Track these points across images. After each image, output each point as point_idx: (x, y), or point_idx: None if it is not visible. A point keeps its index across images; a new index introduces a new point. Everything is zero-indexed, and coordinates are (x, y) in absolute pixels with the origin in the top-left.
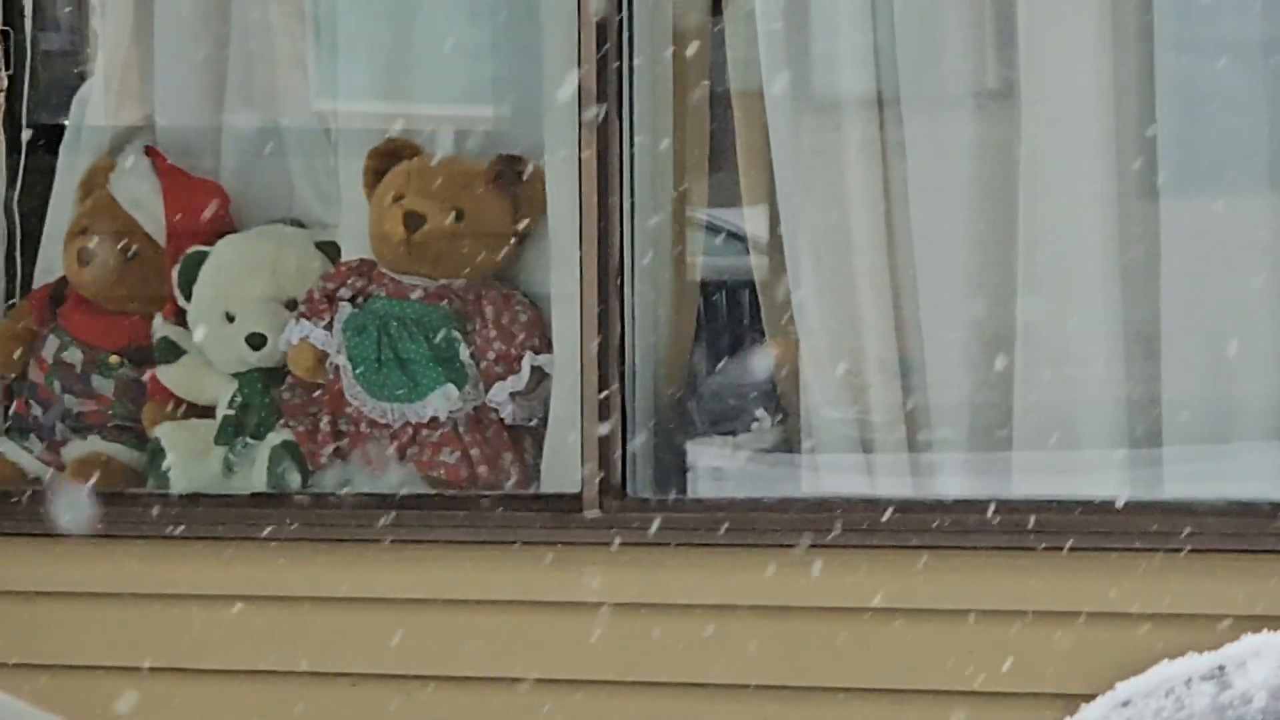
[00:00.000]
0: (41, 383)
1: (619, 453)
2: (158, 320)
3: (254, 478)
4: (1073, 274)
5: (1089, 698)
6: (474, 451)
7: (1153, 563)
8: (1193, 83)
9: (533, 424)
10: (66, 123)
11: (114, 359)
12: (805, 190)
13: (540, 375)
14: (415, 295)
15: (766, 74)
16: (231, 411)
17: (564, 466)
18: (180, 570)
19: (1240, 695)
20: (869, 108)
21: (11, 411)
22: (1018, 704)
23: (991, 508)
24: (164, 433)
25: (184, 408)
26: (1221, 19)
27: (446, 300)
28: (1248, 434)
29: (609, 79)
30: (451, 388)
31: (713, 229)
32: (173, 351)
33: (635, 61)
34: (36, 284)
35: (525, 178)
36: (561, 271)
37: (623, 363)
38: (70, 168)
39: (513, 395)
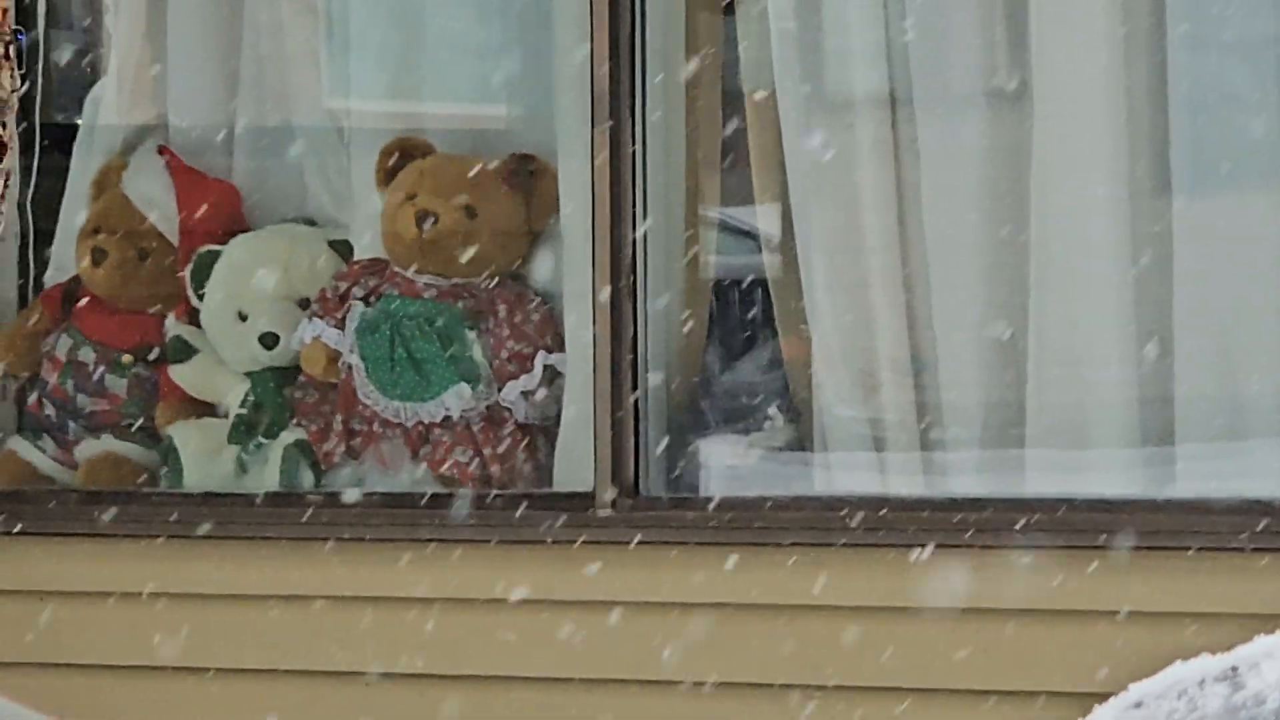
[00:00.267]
0: (55, 382)
1: (631, 451)
2: (170, 319)
3: (266, 477)
4: (1085, 273)
5: (1102, 696)
6: (487, 451)
7: (1166, 561)
8: (1205, 82)
9: (545, 423)
10: (80, 122)
11: (127, 358)
12: (818, 189)
13: (553, 374)
14: (428, 294)
15: (779, 73)
16: (244, 411)
17: (576, 465)
18: (193, 569)
19: (1254, 696)
20: (882, 107)
21: (25, 411)
22: (1032, 703)
23: (1005, 506)
24: (177, 432)
25: (197, 407)
26: (1234, 18)
27: (459, 299)
28: (1262, 431)
29: (621, 78)
30: (464, 387)
31: (725, 228)
32: (185, 350)
33: (648, 60)
34: (49, 283)
35: (538, 176)
36: (574, 270)
37: (635, 361)
38: (83, 167)
39: (525, 394)
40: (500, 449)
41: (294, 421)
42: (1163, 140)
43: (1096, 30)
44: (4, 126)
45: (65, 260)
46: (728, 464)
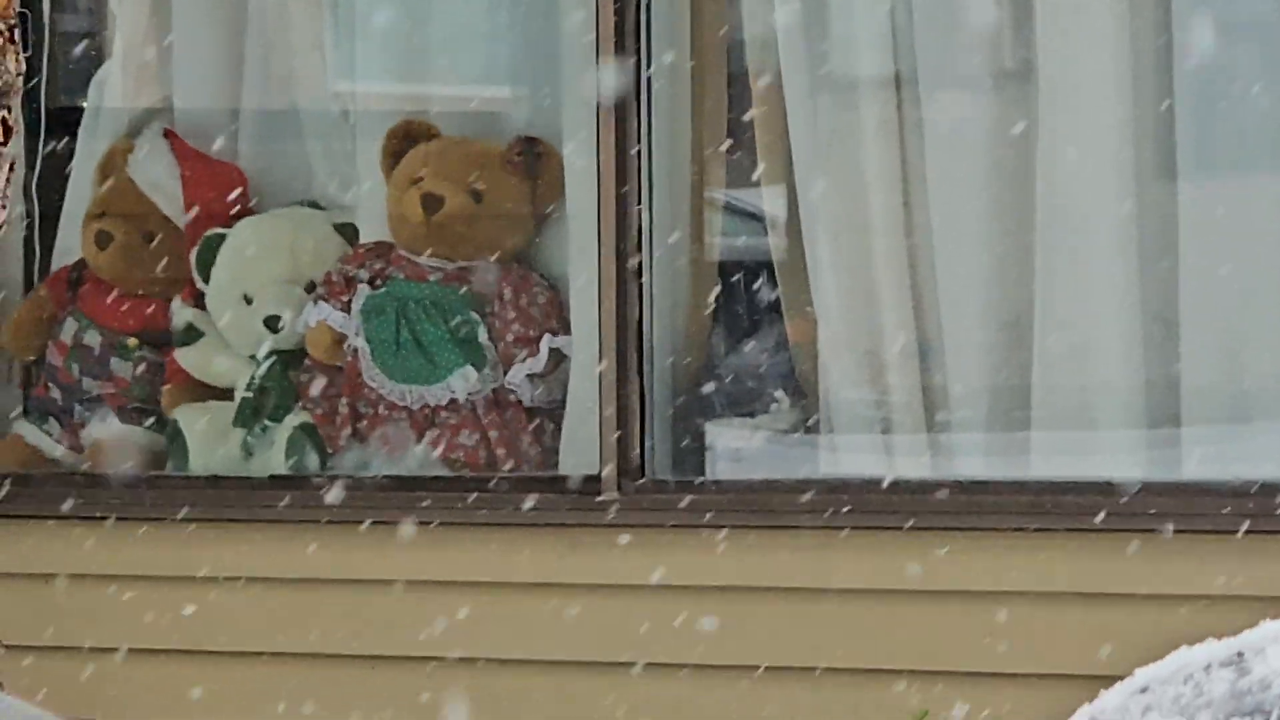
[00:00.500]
0: (61, 365)
1: (637, 435)
2: (176, 302)
3: (272, 460)
4: (1091, 255)
5: (1107, 679)
6: (492, 434)
7: (1171, 544)
8: (1210, 64)
9: (551, 406)
10: (85, 105)
11: (132, 341)
12: (823, 171)
13: (559, 357)
14: (433, 277)
15: (784, 55)
16: (250, 394)
17: (582, 448)
18: (198, 552)
19: (1259, 681)
20: (887, 89)
21: (31, 394)
22: (1037, 685)
23: (1011, 489)
24: (182, 415)
25: (203, 390)
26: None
27: (465, 282)
28: (1267, 414)
29: (627, 60)
30: (470, 370)
31: (731, 210)
32: (191, 334)
33: (653, 42)
34: (55, 267)
35: (543, 159)
36: (580, 253)
37: (641, 344)
38: (89, 150)
39: (531, 377)
40: (506, 432)
41: (300, 405)
42: (1168, 122)
43: (1102, 11)
44: (9, 111)
45: (71, 244)
46: (733, 447)
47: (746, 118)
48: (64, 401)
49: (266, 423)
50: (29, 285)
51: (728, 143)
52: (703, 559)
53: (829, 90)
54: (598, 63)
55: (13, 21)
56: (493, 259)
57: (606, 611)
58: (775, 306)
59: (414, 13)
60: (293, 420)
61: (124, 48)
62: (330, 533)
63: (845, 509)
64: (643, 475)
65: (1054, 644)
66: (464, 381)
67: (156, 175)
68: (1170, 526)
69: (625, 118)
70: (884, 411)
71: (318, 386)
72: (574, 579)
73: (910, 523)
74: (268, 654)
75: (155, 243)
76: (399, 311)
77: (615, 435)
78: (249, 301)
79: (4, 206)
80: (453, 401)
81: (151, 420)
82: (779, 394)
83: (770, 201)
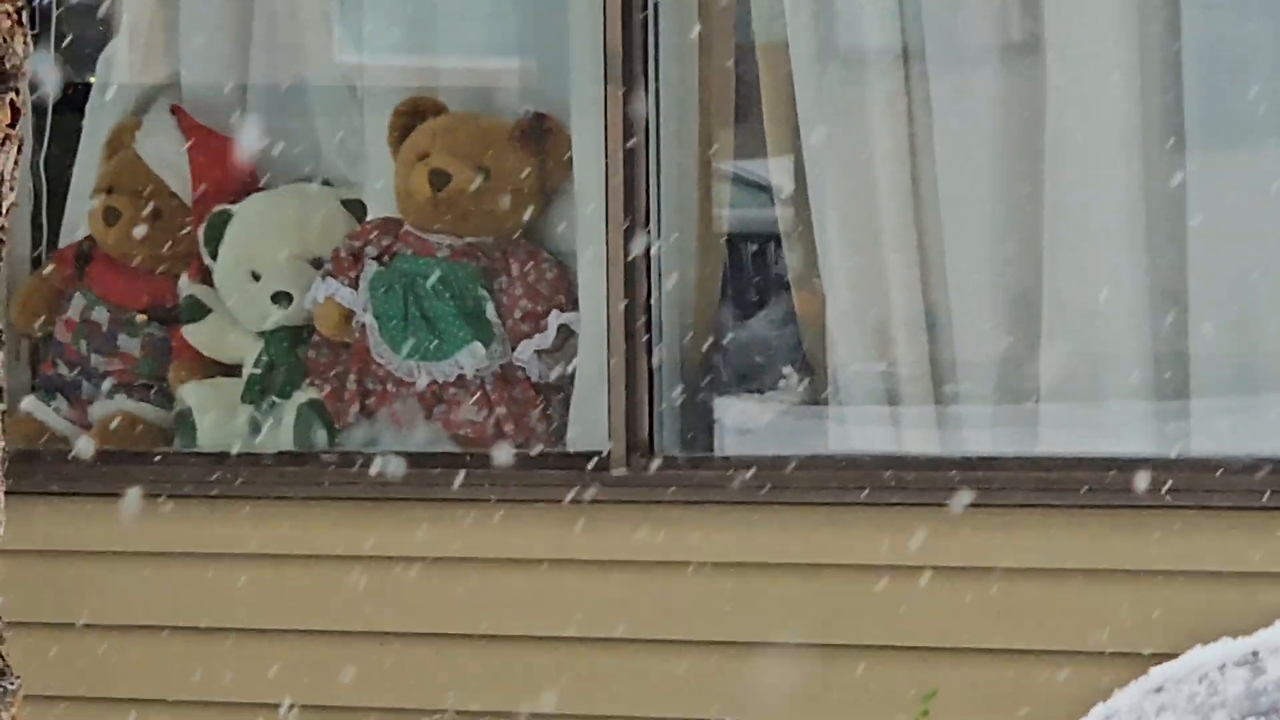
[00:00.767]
0: (68, 342)
1: (646, 410)
2: (184, 279)
3: (280, 436)
4: (1099, 228)
5: (1117, 656)
6: (501, 410)
7: (1180, 519)
8: (1219, 36)
9: (559, 382)
10: (92, 81)
11: (140, 318)
12: (831, 144)
13: (567, 333)
14: (441, 253)
15: (792, 27)
16: (258, 370)
17: (591, 424)
18: (206, 529)
19: (1275, 681)
20: (895, 61)
21: (39, 371)
22: (1046, 662)
23: (1020, 464)
24: (190, 391)
25: (211, 367)
26: None
27: (473, 258)
28: (1277, 387)
29: (634, 32)
30: (478, 346)
31: (739, 181)
32: (199, 310)
33: (660, 14)
34: (63, 243)
35: (551, 135)
36: (587, 228)
37: (649, 320)
38: (96, 127)
39: (539, 353)
40: (514, 408)
41: (308, 381)
42: (1176, 94)
43: None
44: (17, 93)
45: (78, 220)
46: (742, 422)
47: (754, 91)
48: (72, 378)
49: (274, 399)
50: (37, 262)
51: (735, 115)
52: (711, 534)
53: (837, 63)
54: (605, 37)
55: (20, 3)
56: (500, 235)
57: (615, 587)
58: (783, 280)
59: None
60: (301, 396)
61: (131, 23)
62: (338, 509)
63: (854, 485)
64: (651, 451)
65: (1064, 621)
66: (472, 358)
67: (164, 152)
68: (1179, 503)
69: (633, 91)
70: (892, 384)
71: (325, 363)
72: (582, 555)
73: (919, 499)
74: (276, 630)
75: (163, 219)
76: (407, 287)
77: (624, 411)
78: (257, 278)
79: (13, 188)
80: (461, 377)
81: (159, 396)
82: (787, 368)
83: (778, 174)
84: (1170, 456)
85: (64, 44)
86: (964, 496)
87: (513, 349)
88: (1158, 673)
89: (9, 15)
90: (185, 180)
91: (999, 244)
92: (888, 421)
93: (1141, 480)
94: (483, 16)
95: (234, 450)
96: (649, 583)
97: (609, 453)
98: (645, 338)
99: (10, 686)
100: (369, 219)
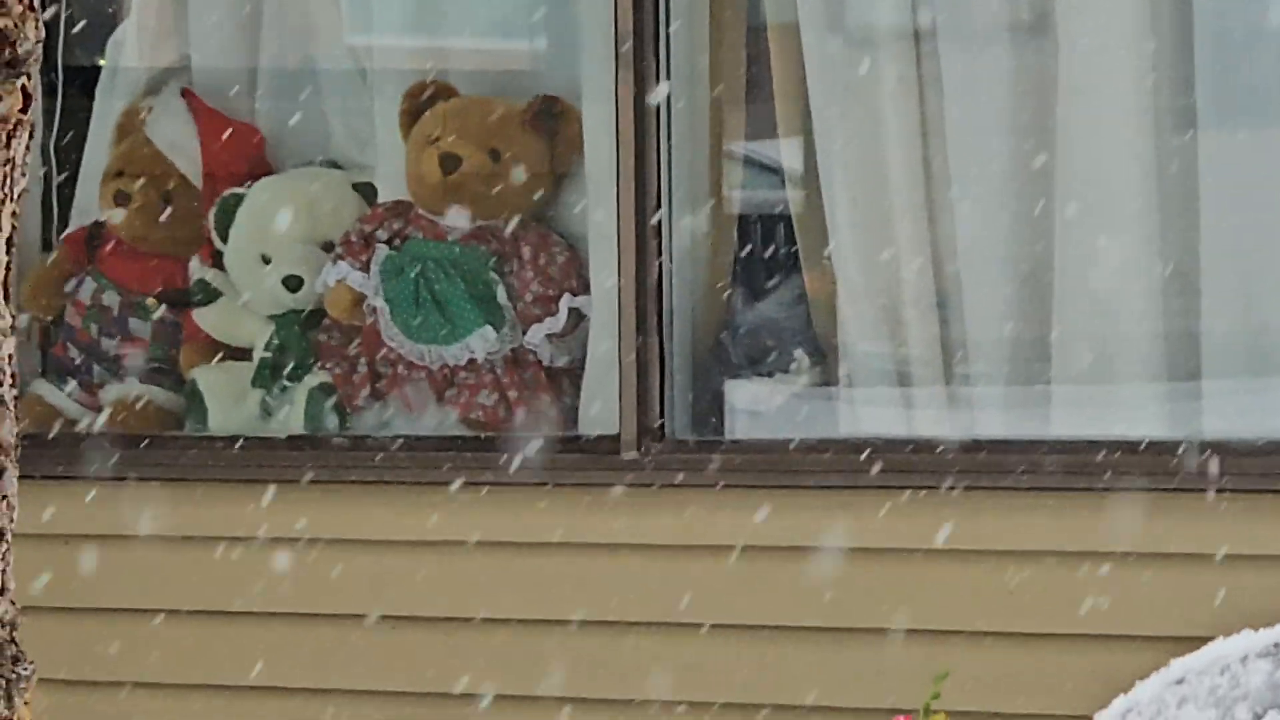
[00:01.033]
0: (79, 325)
1: (657, 394)
2: (194, 262)
3: (291, 420)
4: (1111, 208)
5: (1129, 639)
6: (512, 393)
7: (1194, 502)
8: (1230, 14)
9: (570, 365)
10: (102, 64)
11: (151, 301)
12: (842, 124)
13: (578, 317)
14: (452, 237)
15: (803, 8)
16: (269, 354)
17: (602, 408)
18: (216, 512)
19: None
20: (905, 41)
21: (50, 354)
22: (1058, 645)
23: (1029, 448)
24: (201, 375)
25: (221, 350)
26: None
27: (484, 242)
28: None
29: (645, 14)
30: (489, 329)
31: (750, 163)
32: (209, 294)
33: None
34: (73, 227)
35: (562, 118)
36: (599, 211)
37: (660, 303)
38: (106, 110)
39: (550, 337)
40: (525, 392)
41: (318, 365)
42: (1188, 74)
43: None
44: (28, 78)
45: (89, 204)
46: (753, 405)
47: (765, 72)
48: (82, 361)
49: (285, 382)
50: (47, 245)
51: (746, 96)
52: (723, 518)
53: (847, 42)
54: (616, 19)
55: None
56: (512, 218)
57: (626, 571)
58: (794, 261)
59: None
60: (311, 380)
61: (141, 7)
62: (349, 493)
63: (866, 468)
64: (662, 435)
65: (1076, 604)
66: (483, 341)
67: (174, 135)
68: (1191, 485)
69: (644, 72)
70: (903, 365)
71: (336, 346)
72: (593, 539)
73: (931, 482)
74: (287, 614)
75: (173, 202)
76: (418, 271)
77: (634, 394)
78: (267, 261)
79: (24, 174)
80: (472, 361)
81: (169, 380)
82: (798, 351)
83: (789, 156)
84: (1183, 438)
85: (74, 27)
86: (977, 479)
87: (524, 333)
88: (1179, 664)
89: (20, 0)
90: (196, 163)
91: (1010, 224)
92: (899, 403)
93: (1156, 463)
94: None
95: (244, 434)
96: (660, 566)
97: (620, 436)
98: (656, 321)
99: (24, 672)
100: (380, 202)
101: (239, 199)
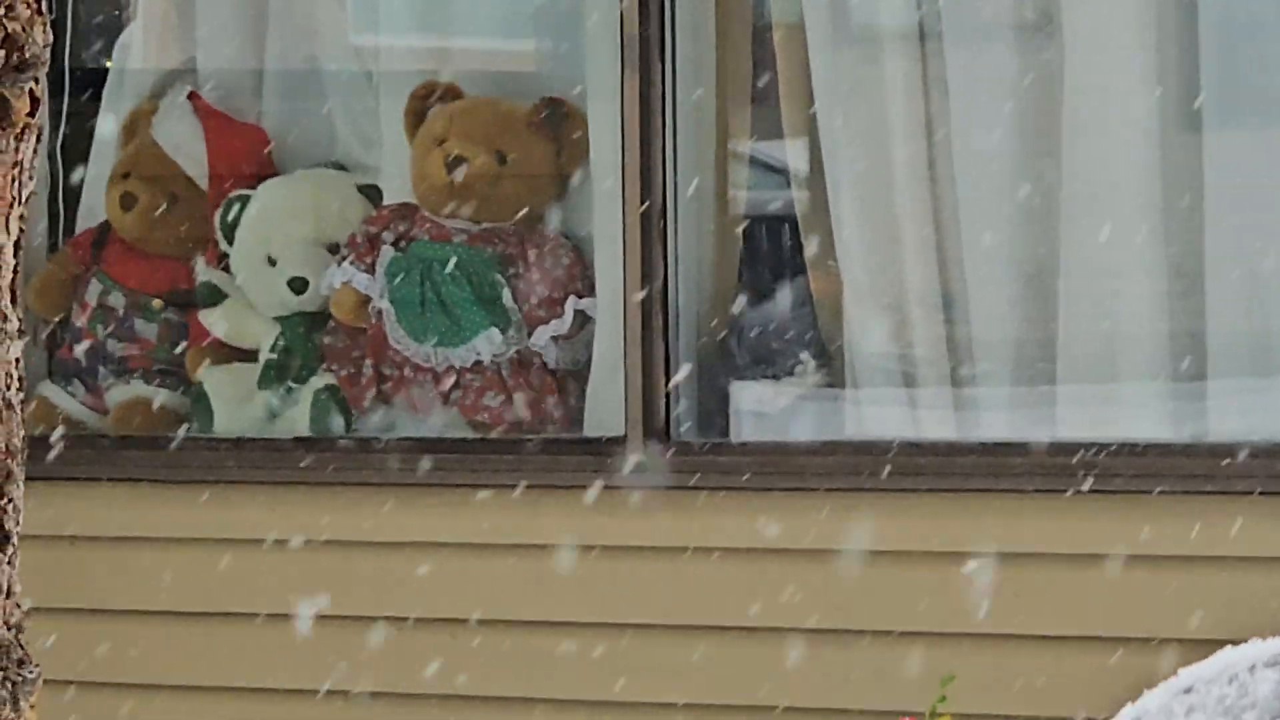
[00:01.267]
0: (85, 327)
1: (662, 396)
2: (200, 264)
3: (296, 422)
4: (1115, 207)
5: (1134, 641)
6: (517, 395)
7: (1197, 504)
8: (1236, 13)
9: (576, 367)
10: (109, 66)
11: (157, 303)
12: (847, 125)
13: (583, 319)
14: (458, 239)
15: (807, 8)
16: (274, 355)
17: (607, 410)
18: (222, 514)
19: None
20: (911, 41)
21: (56, 356)
22: (1064, 648)
23: (1036, 449)
24: (206, 376)
25: (227, 352)
26: None
27: (489, 244)
28: None
29: (651, 15)
30: (495, 331)
31: (755, 164)
32: (215, 295)
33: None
34: (79, 228)
35: (567, 120)
36: (604, 214)
37: (666, 305)
38: (113, 112)
39: (555, 339)
40: (531, 394)
41: (324, 366)
42: (1193, 73)
43: None
44: (36, 82)
45: (95, 205)
46: (758, 407)
47: (771, 73)
48: (88, 363)
49: (291, 384)
50: (53, 247)
51: (751, 97)
52: (728, 520)
53: (853, 43)
54: (621, 20)
55: None
56: (517, 220)
57: (631, 572)
58: (799, 262)
59: None
60: (317, 382)
61: (147, 9)
62: (355, 494)
63: (871, 470)
64: (668, 437)
65: (1084, 606)
66: (489, 343)
67: (180, 137)
68: (1198, 488)
69: (649, 74)
70: (908, 366)
71: (342, 348)
72: (598, 540)
73: (937, 484)
74: (294, 616)
75: (179, 204)
76: (423, 273)
77: (640, 396)
78: (273, 263)
79: (32, 176)
80: (477, 363)
81: (175, 381)
82: (804, 352)
83: (794, 157)
84: (1188, 440)
85: (80, 30)
86: (981, 482)
87: (529, 335)
88: (1187, 673)
89: (28, 4)
90: (202, 165)
91: (1015, 223)
92: (904, 404)
93: (1160, 464)
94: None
95: (250, 435)
96: (665, 568)
97: (625, 437)
98: (661, 322)
99: (30, 675)
100: (385, 204)
101: (245, 201)
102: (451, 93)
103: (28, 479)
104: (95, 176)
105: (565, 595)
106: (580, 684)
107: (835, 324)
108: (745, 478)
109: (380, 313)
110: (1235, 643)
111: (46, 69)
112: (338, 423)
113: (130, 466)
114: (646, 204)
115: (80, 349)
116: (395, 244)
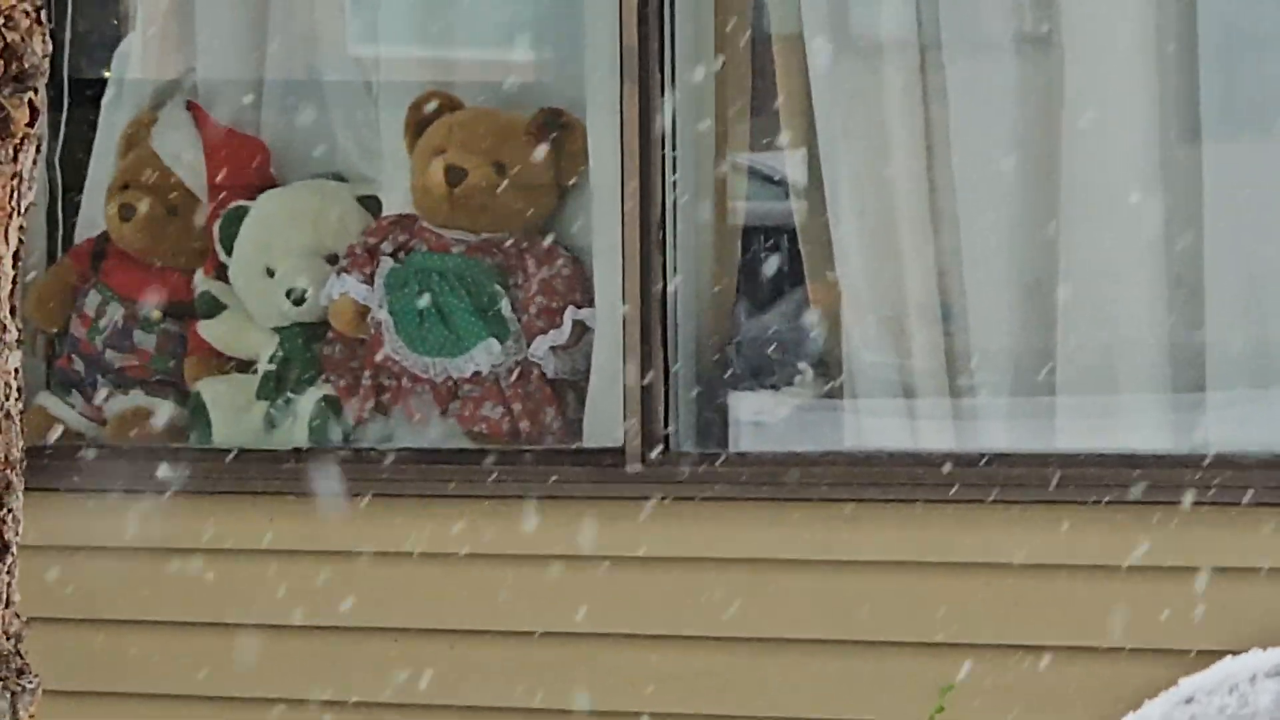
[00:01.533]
0: (84, 338)
1: (661, 406)
2: (199, 275)
3: (295, 432)
4: (1115, 218)
5: (1132, 651)
6: (516, 406)
7: (1196, 515)
8: (1235, 25)
9: (575, 378)
10: (108, 76)
11: (155, 314)
12: (846, 135)
13: (582, 329)
14: (457, 249)
15: (807, 19)
16: (273, 366)
17: (606, 420)
18: (220, 525)
19: None
20: (910, 51)
21: (54, 366)
22: (1062, 658)
23: (1034, 460)
24: (205, 387)
25: (226, 362)
26: None
27: (488, 254)
28: None
29: (650, 27)
30: (493, 342)
31: (754, 175)
32: (214, 306)
33: (676, 8)
34: (78, 239)
35: (567, 131)
36: (603, 224)
37: (664, 315)
38: (112, 122)
39: (554, 349)
40: (529, 404)
41: (323, 377)
42: (1192, 84)
43: None
44: (35, 92)
45: (94, 216)
46: (757, 418)
47: (770, 84)
48: (87, 373)
49: (289, 395)
50: (52, 257)
51: (751, 107)
52: (727, 531)
53: (852, 54)
54: (621, 31)
55: (39, 1)
56: (516, 231)
57: (630, 583)
58: (798, 272)
59: None
60: (315, 393)
61: (146, 19)
62: (353, 505)
63: (869, 481)
64: (666, 447)
65: (1079, 617)
66: (487, 354)
67: (180, 147)
68: (1191, 498)
69: (648, 85)
70: (907, 376)
71: (340, 359)
72: (597, 551)
73: (934, 495)
74: (289, 627)
75: (178, 215)
76: (422, 284)
77: (639, 406)
78: (271, 274)
79: (31, 188)
80: (476, 374)
81: (174, 392)
82: (803, 365)
83: (794, 168)
84: (1185, 451)
85: (79, 40)
86: (980, 493)
87: (528, 345)
88: (1188, 684)
89: (27, 14)
90: (200, 176)
91: (1014, 234)
92: (903, 415)
93: (1158, 477)
94: (498, 10)
95: (248, 446)
96: (664, 578)
97: (624, 448)
98: (660, 333)
99: (29, 685)
100: (384, 215)
101: (244, 211)
102: (451, 103)
103: (26, 489)
104: (94, 187)
105: (565, 606)
106: (576, 693)
107: (834, 334)
108: (744, 488)
109: (379, 324)
110: (1236, 653)
111: (45, 79)
112: (336, 433)
113: (128, 477)
114: (645, 214)
115: (79, 359)
116: (394, 255)
